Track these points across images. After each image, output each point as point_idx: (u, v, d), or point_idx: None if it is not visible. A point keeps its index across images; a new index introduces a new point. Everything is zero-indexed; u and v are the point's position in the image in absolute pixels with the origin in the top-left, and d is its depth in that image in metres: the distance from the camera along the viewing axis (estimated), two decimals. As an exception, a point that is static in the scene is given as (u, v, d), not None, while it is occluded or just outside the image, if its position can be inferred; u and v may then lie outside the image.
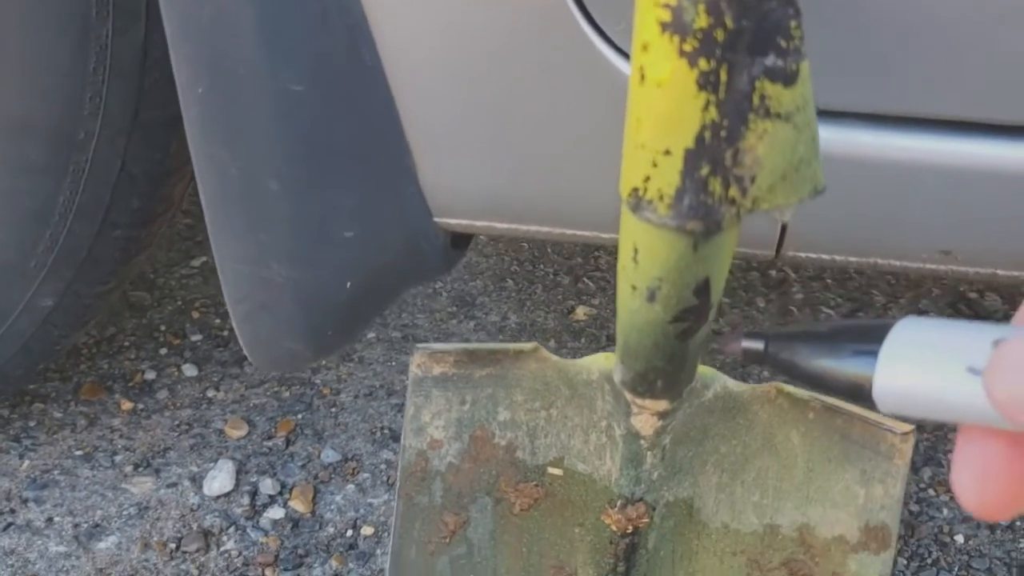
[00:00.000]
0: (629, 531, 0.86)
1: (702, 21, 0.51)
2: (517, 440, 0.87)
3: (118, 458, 1.25)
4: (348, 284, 0.82)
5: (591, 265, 1.61)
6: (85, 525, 1.16)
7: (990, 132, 0.70)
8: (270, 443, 1.27)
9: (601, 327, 1.49)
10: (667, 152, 0.56)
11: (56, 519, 1.17)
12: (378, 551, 1.15)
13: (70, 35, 0.90)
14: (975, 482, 0.37)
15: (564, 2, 0.69)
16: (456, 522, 0.88)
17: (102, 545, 1.14)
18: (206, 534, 1.15)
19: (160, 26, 0.89)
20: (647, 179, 0.58)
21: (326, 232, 0.79)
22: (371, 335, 1.45)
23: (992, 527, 1.21)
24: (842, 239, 0.77)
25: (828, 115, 0.69)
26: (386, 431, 1.30)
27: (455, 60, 0.74)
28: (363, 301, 0.85)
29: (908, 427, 0.79)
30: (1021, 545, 1.18)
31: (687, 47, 0.53)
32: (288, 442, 1.27)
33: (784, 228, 0.76)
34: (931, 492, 1.25)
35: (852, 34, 0.67)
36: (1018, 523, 1.21)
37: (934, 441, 1.32)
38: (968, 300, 1.56)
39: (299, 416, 1.31)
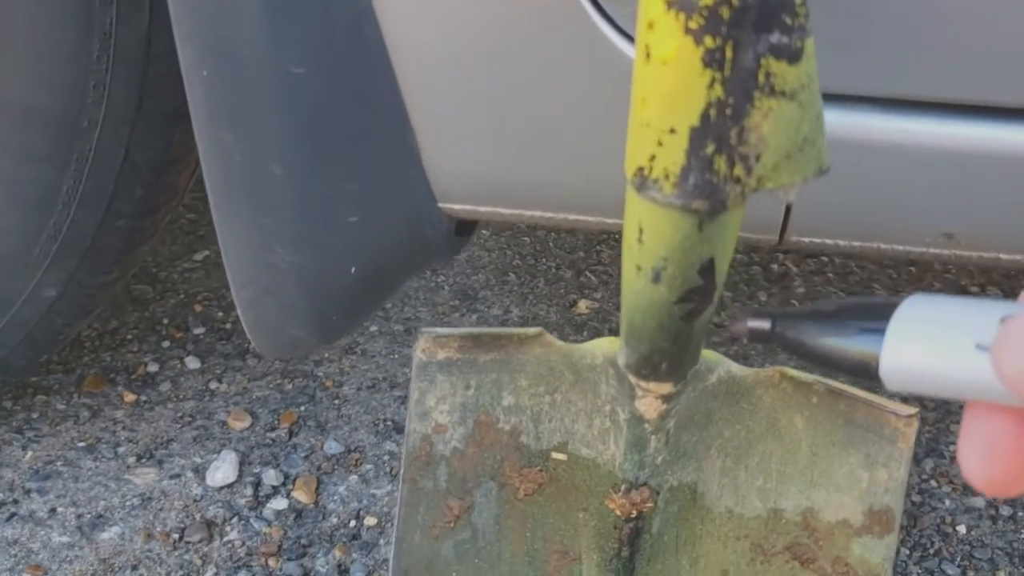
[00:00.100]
0: (633, 516, 0.86)
1: (708, -2, 0.51)
2: (521, 425, 0.87)
3: (121, 449, 1.25)
4: (352, 269, 0.82)
5: (593, 259, 1.62)
6: (88, 516, 1.16)
7: (994, 115, 0.70)
8: (273, 435, 1.27)
9: (603, 320, 1.49)
10: (672, 130, 0.56)
11: (59, 510, 1.17)
12: (381, 541, 1.15)
13: (74, 23, 0.90)
14: (982, 458, 0.37)
15: (569, -15, 0.69)
16: (460, 507, 0.88)
17: (105, 535, 1.14)
18: (209, 524, 1.15)
19: (164, 14, 0.89)
20: (652, 158, 0.58)
21: (330, 217, 0.79)
22: (373, 328, 1.45)
23: (994, 518, 1.21)
24: (845, 223, 0.77)
25: (831, 98, 0.70)
26: (389, 423, 1.30)
27: (459, 43, 0.74)
28: (367, 287, 0.85)
29: (912, 410, 0.79)
30: (1023, 535, 1.18)
31: (693, 24, 0.53)
32: (291, 434, 1.27)
33: (788, 212, 0.77)
34: (933, 483, 1.25)
35: (855, 16, 0.68)
36: (1020, 513, 1.21)
37: (936, 433, 1.32)
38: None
39: (302, 408, 1.31)
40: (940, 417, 1.34)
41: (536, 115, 0.76)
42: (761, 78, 0.54)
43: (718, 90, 0.54)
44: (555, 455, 0.88)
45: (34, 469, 1.22)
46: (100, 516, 1.16)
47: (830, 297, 1.53)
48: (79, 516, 1.16)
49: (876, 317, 0.41)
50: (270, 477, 1.21)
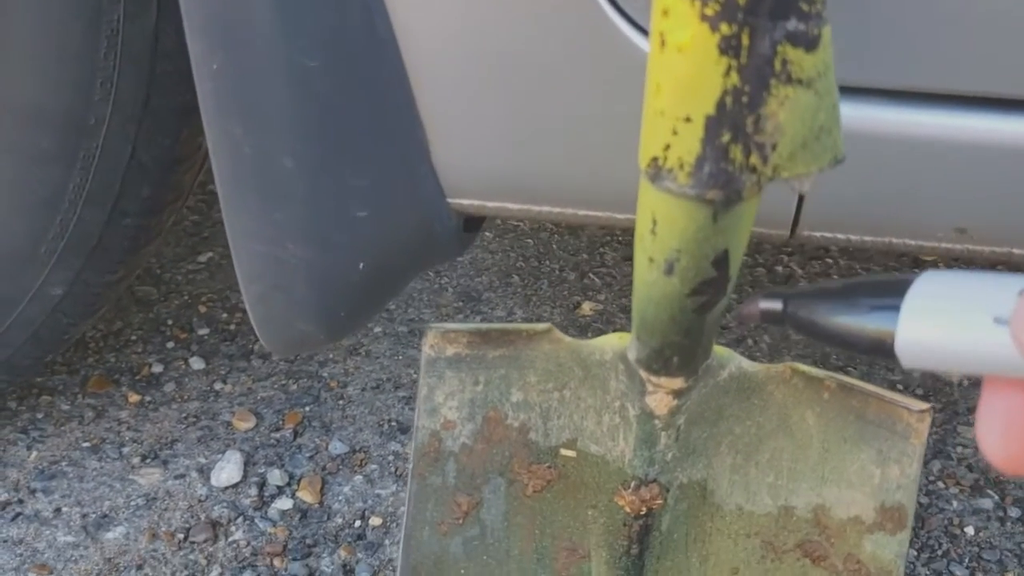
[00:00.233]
0: (643, 513, 0.85)
1: (724, -17, 0.51)
2: (530, 421, 0.87)
3: (126, 450, 1.24)
4: (361, 265, 0.82)
5: (597, 261, 1.61)
6: (93, 515, 1.16)
7: (1007, 108, 0.70)
8: (278, 435, 1.27)
9: (607, 322, 1.49)
10: (688, 119, 0.56)
11: (64, 509, 1.16)
12: (386, 541, 1.14)
13: (81, 20, 0.90)
14: (1000, 435, 0.37)
15: (580, -23, 0.69)
16: (469, 503, 0.88)
17: (110, 535, 1.14)
18: (214, 524, 1.15)
19: (171, 11, 0.89)
20: (667, 147, 0.58)
21: (340, 211, 0.78)
22: (377, 329, 1.44)
23: (1002, 519, 1.20)
24: (858, 217, 0.77)
25: (844, 90, 0.69)
26: (393, 423, 1.29)
27: (469, 38, 0.73)
28: (376, 283, 0.84)
29: (924, 405, 0.79)
30: (1032, 536, 1.18)
31: (708, 11, 0.53)
32: (296, 434, 1.27)
33: (800, 206, 0.76)
34: (940, 484, 1.25)
35: (869, 7, 0.67)
36: (1028, 514, 1.21)
37: (943, 434, 1.32)
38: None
39: (306, 408, 1.31)
40: (947, 419, 1.34)
41: (546, 109, 0.76)
42: (778, 66, 0.54)
43: (734, 78, 0.54)
44: (564, 452, 0.87)
45: (39, 469, 1.21)
46: (105, 516, 1.16)
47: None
48: (84, 516, 1.16)
49: (890, 294, 0.40)
50: (275, 477, 1.20)
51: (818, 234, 0.78)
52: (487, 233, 1.66)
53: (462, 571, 0.89)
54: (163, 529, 1.14)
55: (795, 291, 0.49)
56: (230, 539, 1.14)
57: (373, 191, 0.79)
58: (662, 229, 0.62)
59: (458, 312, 1.50)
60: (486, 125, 0.78)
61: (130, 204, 1.03)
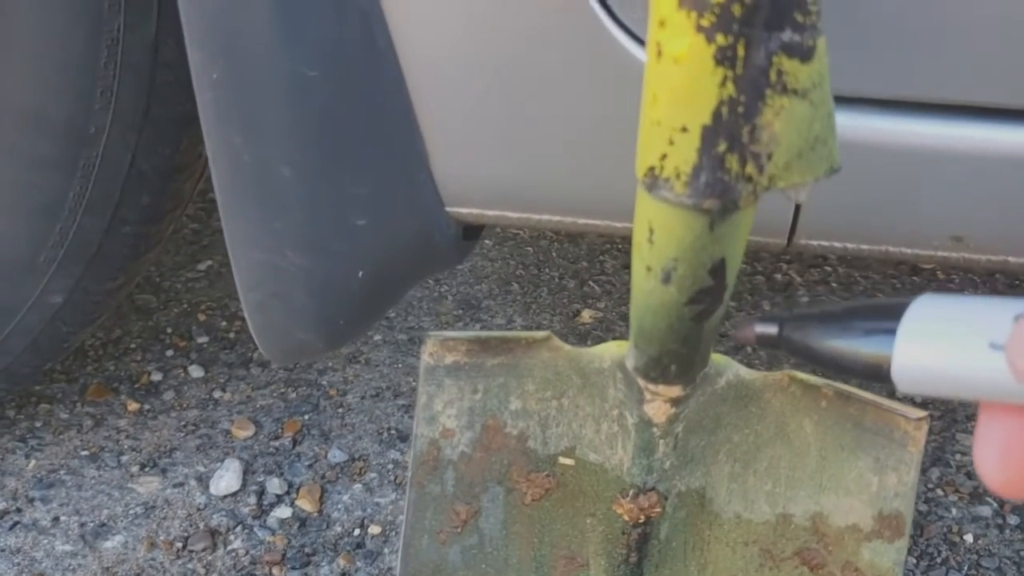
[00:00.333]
0: (641, 521, 0.86)
1: (720, -5, 0.52)
2: (529, 429, 0.87)
3: (124, 458, 1.24)
4: (360, 273, 0.82)
5: (596, 269, 1.62)
6: (91, 524, 1.16)
7: (1004, 117, 0.70)
8: (277, 443, 1.27)
9: (607, 330, 1.49)
10: (684, 129, 0.56)
11: (62, 518, 1.16)
12: (385, 550, 1.14)
13: (82, 29, 0.90)
14: (998, 459, 0.37)
15: (578, -12, 0.69)
16: (468, 512, 0.88)
17: (108, 544, 1.14)
18: (213, 533, 1.15)
19: (172, 20, 0.89)
20: (663, 157, 0.58)
21: (339, 220, 0.79)
22: (377, 337, 1.45)
23: (1001, 527, 1.20)
24: (854, 225, 0.77)
25: (840, 100, 0.70)
26: (393, 432, 1.29)
27: (468, 46, 0.74)
28: (375, 291, 0.85)
29: (922, 413, 0.79)
30: (1030, 544, 1.18)
31: (704, 22, 0.53)
32: (295, 442, 1.27)
33: (796, 215, 0.77)
34: (939, 492, 1.25)
35: (864, 17, 0.68)
36: (1027, 522, 1.21)
37: (942, 442, 1.32)
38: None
39: (306, 417, 1.31)
40: (946, 426, 1.34)
41: (544, 118, 0.76)
42: (773, 76, 0.54)
43: (730, 88, 0.54)
44: (562, 460, 0.87)
45: (37, 478, 1.21)
46: (103, 525, 1.16)
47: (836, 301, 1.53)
48: (82, 525, 1.16)
49: (886, 318, 0.40)
50: (274, 486, 1.21)
51: (815, 243, 0.79)
52: (486, 241, 1.67)
53: (460, 579, 0.89)
54: (162, 538, 1.14)
55: (791, 315, 0.49)
56: (229, 548, 1.14)
57: (372, 200, 0.79)
58: (659, 238, 0.63)
59: (458, 320, 1.50)
60: (485, 134, 0.78)
61: (130, 212, 1.03)
